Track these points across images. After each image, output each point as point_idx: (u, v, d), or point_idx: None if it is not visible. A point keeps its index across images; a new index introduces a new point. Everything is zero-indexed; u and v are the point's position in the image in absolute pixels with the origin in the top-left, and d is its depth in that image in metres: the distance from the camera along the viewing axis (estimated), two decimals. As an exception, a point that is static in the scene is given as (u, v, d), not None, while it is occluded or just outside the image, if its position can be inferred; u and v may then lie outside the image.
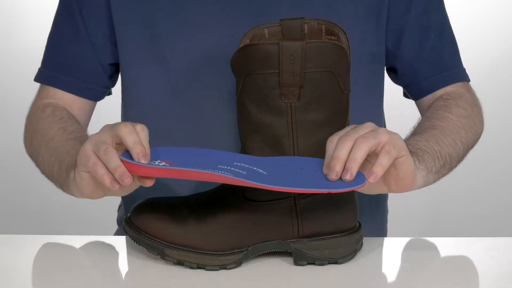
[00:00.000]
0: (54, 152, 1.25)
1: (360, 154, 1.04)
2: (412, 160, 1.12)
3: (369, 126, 1.09)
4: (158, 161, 1.06)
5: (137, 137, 1.07)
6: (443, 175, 1.24)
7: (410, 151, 1.14)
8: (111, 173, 1.06)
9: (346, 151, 1.04)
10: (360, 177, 1.05)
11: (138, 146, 1.06)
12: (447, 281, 1.09)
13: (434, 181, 1.22)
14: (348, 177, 1.04)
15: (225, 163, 1.07)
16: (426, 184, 1.19)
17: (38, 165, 1.31)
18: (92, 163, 1.08)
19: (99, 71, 1.37)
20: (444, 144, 1.24)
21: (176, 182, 1.30)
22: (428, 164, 1.18)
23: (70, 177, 1.17)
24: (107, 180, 1.07)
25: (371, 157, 1.07)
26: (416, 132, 1.27)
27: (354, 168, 1.04)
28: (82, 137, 1.27)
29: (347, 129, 1.09)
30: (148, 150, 1.06)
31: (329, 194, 1.07)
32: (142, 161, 1.05)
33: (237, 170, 1.06)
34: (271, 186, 1.03)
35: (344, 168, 1.04)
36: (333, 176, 1.04)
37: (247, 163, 1.07)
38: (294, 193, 1.11)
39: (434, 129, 1.26)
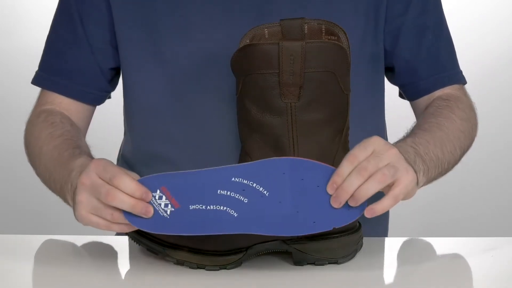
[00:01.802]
0: (46, 167, 1.26)
1: (372, 191, 1.06)
2: (415, 191, 1.13)
3: (390, 156, 1.08)
4: (158, 193, 1.05)
5: (128, 200, 1.05)
6: (435, 180, 1.25)
7: (420, 155, 1.15)
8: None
9: (357, 186, 1.05)
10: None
11: (137, 207, 1.05)
12: (447, 281, 1.09)
13: (426, 185, 1.23)
14: (353, 204, 1.06)
15: (223, 185, 1.05)
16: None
17: (38, 175, 1.31)
18: (106, 226, 1.09)
19: (98, 75, 1.36)
20: (446, 151, 1.24)
21: None
22: (430, 175, 1.19)
23: (66, 198, 1.18)
24: (127, 230, 1.09)
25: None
26: (424, 128, 1.26)
27: (362, 200, 1.06)
28: (70, 139, 1.27)
29: (369, 148, 1.07)
30: (142, 191, 1.05)
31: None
32: (149, 212, 1.04)
33: (237, 196, 1.05)
34: (275, 235, 1.05)
35: (353, 195, 1.05)
36: (336, 205, 1.06)
37: (246, 177, 1.06)
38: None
39: (441, 130, 1.26)
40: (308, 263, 1.12)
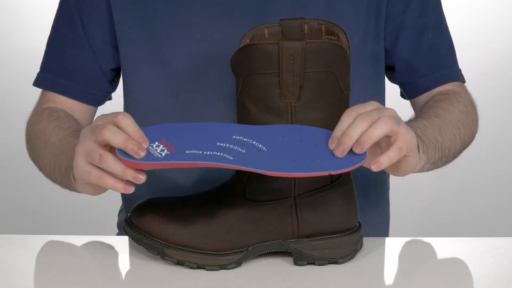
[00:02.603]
0: (52, 154, 1.25)
1: (378, 133, 1.04)
2: (417, 158, 1.12)
3: (392, 112, 1.08)
4: (156, 143, 1.05)
5: (122, 134, 1.04)
6: (438, 167, 1.25)
7: (417, 135, 1.15)
8: (120, 177, 1.05)
9: (361, 131, 1.03)
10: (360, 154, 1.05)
11: (129, 143, 1.03)
12: (447, 281, 1.09)
13: (428, 170, 1.23)
14: (358, 150, 1.03)
15: (223, 139, 1.05)
16: (421, 171, 1.20)
17: (41, 169, 1.31)
18: (96, 176, 1.06)
19: (99, 76, 1.36)
20: (446, 137, 1.25)
21: (177, 174, 1.30)
22: (430, 155, 1.19)
23: (71, 179, 1.16)
24: (119, 187, 1.06)
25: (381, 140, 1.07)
26: (421, 116, 1.27)
27: (367, 143, 1.04)
28: (78, 130, 1.26)
29: (369, 106, 1.07)
30: (141, 135, 1.04)
31: (330, 189, 1.09)
32: (140, 153, 1.02)
33: (236, 148, 1.05)
34: (270, 172, 1.02)
35: (357, 140, 1.03)
36: (339, 154, 1.04)
37: (246, 136, 1.06)
38: (294, 193, 1.11)
39: (439, 119, 1.26)
40: (308, 263, 1.12)
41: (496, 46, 2.79)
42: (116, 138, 1.04)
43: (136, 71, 1.33)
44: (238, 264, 1.11)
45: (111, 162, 1.05)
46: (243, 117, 1.12)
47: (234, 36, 1.22)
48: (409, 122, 1.22)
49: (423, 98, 1.38)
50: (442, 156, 1.24)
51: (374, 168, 1.05)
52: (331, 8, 1.30)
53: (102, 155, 1.05)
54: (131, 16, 1.32)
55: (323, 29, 1.12)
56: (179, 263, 1.10)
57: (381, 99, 1.39)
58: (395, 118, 1.07)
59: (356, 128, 1.04)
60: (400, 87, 1.42)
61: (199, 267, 1.10)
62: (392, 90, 1.44)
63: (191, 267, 1.10)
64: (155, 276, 1.09)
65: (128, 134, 1.04)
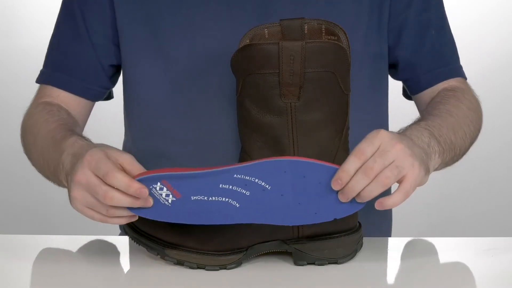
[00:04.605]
0: (41, 152, 1.26)
1: (376, 193, 1.06)
2: (427, 178, 1.13)
3: (396, 152, 1.07)
4: (159, 184, 1.06)
5: (124, 199, 1.05)
6: (448, 166, 1.26)
7: (435, 137, 1.17)
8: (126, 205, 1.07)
9: (363, 186, 1.05)
10: None
11: (137, 205, 1.06)
12: (447, 281, 1.09)
13: (439, 170, 1.24)
14: (358, 201, 1.07)
15: (225, 181, 1.06)
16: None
17: (33, 164, 1.32)
18: (101, 219, 1.09)
19: (99, 71, 1.37)
20: (458, 136, 1.25)
21: None
22: (444, 156, 1.20)
23: (61, 181, 1.19)
24: (125, 221, 1.09)
25: None
26: (434, 113, 1.27)
27: (366, 199, 1.06)
28: (64, 124, 1.27)
29: (376, 143, 1.06)
30: (137, 188, 1.05)
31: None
32: (148, 201, 1.05)
33: (239, 189, 1.06)
34: (279, 224, 1.06)
35: (358, 194, 1.06)
36: (343, 200, 1.06)
37: (248, 174, 1.06)
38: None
39: (451, 117, 1.27)
40: (308, 263, 1.12)
41: (496, 46, 2.79)
42: (123, 204, 1.06)
43: (138, 68, 1.33)
44: (238, 264, 1.11)
45: (120, 213, 1.08)
46: (243, 117, 1.12)
47: (236, 35, 1.22)
48: (425, 120, 1.23)
49: (427, 94, 1.38)
50: (454, 156, 1.25)
51: (378, 207, 1.07)
52: (334, 8, 1.30)
53: (109, 210, 1.07)
54: (133, 13, 1.33)
55: (323, 29, 1.12)
56: (179, 263, 1.10)
57: (383, 98, 1.39)
58: (396, 169, 1.07)
59: (359, 184, 1.05)
60: (403, 83, 1.42)
61: (199, 267, 1.10)
62: (395, 90, 1.44)
63: (191, 267, 1.10)
64: (155, 276, 1.09)
65: (123, 191, 1.05)
